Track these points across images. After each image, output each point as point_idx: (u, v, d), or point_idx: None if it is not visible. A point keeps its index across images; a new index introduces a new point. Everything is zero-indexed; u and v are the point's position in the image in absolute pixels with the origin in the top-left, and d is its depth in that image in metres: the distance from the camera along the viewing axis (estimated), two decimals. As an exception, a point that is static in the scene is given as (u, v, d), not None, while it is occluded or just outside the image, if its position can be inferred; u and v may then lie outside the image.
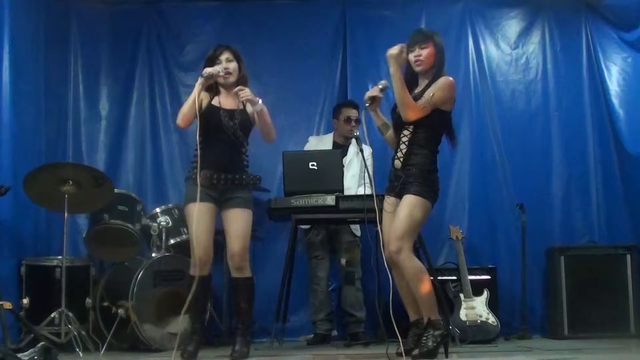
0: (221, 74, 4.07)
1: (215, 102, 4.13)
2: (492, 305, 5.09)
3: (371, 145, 4.56)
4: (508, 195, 5.74)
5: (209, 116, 4.05)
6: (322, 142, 5.41)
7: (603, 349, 4.57)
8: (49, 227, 5.16)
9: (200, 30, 5.93)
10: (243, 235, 4.05)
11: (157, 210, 5.06)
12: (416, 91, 3.97)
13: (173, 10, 5.98)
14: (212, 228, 4.06)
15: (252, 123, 4.19)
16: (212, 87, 4.15)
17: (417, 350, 3.77)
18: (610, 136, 5.83)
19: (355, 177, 5.24)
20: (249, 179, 4.14)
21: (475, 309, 5.00)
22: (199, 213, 3.92)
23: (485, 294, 5.10)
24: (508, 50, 6.00)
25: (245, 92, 4.04)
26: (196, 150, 3.97)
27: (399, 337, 3.75)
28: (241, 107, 4.17)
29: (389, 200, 3.97)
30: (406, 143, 3.91)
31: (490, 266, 5.36)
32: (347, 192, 5.02)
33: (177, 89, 5.86)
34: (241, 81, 4.16)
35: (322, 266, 5.27)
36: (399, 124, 3.98)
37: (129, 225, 4.90)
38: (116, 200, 4.83)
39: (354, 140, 5.15)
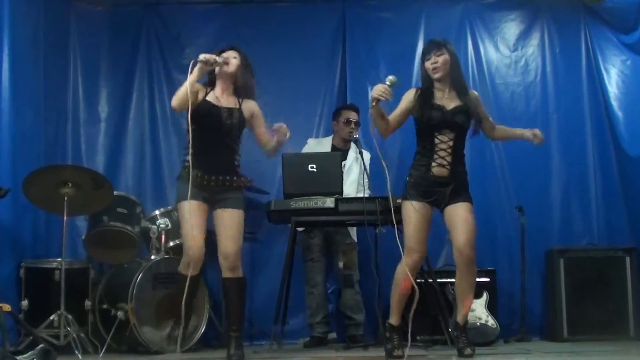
0: (219, 60, 3.98)
1: (210, 97, 4.06)
2: (491, 307, 5.09)
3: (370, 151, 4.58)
4: (507, 197, 5.75)
5: (202, 112, 3.95)
6: (320, 145, 5.41)
7: (602, 351, 4.56)
8: (48, 229, 5.16)
9: (200, 32, 5.93)
10: (236, 235, 4.01)
11: (157, 212, 5.05)
12: (449, 106, 4.03)
13: (172, 12, 5.99)
14: (204, 226, 4.01)
15: (245, 125, 4.14)
16: (209, 82, 4.10)
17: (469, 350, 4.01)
18: (610, 138, 5.83)
19: (354, 184, 5.25)
20: (240, 182, 4.10)
21: (475, 311, 5.00)
22: (191, 211, 3.89)
23: (485, 296, 5.10)
24: (507, 53, 6.01)
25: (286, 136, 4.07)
26: (187, 148, 3.93)
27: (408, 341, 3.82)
28: (238, 105, 4.11)
29: (420, 205, 3.99)
30: (448, 150, 4.00)
31: (489, 268, 5.35)
32: (346, 196, 5.02)
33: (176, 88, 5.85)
34: (242, 86, 4.11)
35: (318, 269, 5.27)
36: (436, 127, 4.01)
37: (128, 228, 4.90)
38: (115, 202, 4.83)
39: (353, 145, 5.17)
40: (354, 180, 5.26)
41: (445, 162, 3.99)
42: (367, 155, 5.24)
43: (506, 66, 5.99)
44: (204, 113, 3.96)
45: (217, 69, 4.05)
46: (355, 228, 5.25)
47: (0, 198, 4.30)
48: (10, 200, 4.47)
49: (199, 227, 3.96)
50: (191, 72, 3.88)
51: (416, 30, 5.94)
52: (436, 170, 4.00)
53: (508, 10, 6.05)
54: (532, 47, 6.01)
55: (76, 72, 5.84)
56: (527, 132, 4.31)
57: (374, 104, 3.91)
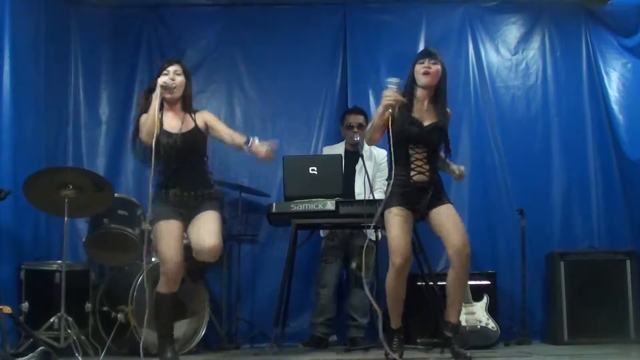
0: (172, 86, 3.97)
1: (167, 125, 4.01)
2: (491, 310, 5.08)
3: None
4: (508, 200, 5.74)
5: (165, 143, 3.95)
6: (334, 152, 5.40)
7: (603, 354, 4.56)
8: (49, 231, 5.15)
9: (201, 35, 5.94)
10: (216, 231, 3.93)
11: (157, 214, 5.04)
12: (425, 122, 4.03)
13: (174, 15, 5.99)
14: (181, 246, 3.94)
15: (200, 140, 4.06)
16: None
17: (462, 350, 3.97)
18: (610, 142, 5.83)
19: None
20: (216, 194, 4.11)
21: (475, 314, 5.00)
22: (166, 231, 3.90)
23: (485, 299, 5.09)
24: (508, 56, 6.01)
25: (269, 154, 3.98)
26: (158, 172, 3.97)
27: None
28: (189, 122, 4.05)
29: (401, 210, 3.97)
30: (424, 160, 4.01)
31: (490, 271, 5.35)
32: (358, 198, 5.03)
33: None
34: (186, 99, 4.08)
35: (329, 270, 5.26)
36: (410, 141, 4.01)
37: (129, 230, 4.90)
38: (116, 204, 4.83)
39: (363, 147, 5.18)
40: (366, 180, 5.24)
41: (423, 170, 4.01)
42: (382, 152, 5.25)
43: (507, 69, 5.99)
44: (163, 144, 3.94)
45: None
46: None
47: (1, 200, 4.30)
48: (11, 202, 4.47)
49: (175, 245, 3.89)
50: (159, 96, 3.89)
51: (417, 34, 5.94)
52: (416, 177, 4.00)
53: (509, 13, 6.06)
54: (533, 50, 6.01)
55: (77, 74, 5.84)
56: (454, 170, 4.24)
57: (389, 111, 3.91)
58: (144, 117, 3.95)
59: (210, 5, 6.01)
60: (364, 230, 5.02)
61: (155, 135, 3.85)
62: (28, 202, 4.50)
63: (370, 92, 5.90)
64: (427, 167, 4.00)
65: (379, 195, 4.93)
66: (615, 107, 5.80)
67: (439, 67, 4.02)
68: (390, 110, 3.92)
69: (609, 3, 5.75)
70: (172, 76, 4.00)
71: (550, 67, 5.97)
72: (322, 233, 5.31)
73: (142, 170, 5.78)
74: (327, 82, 5.96)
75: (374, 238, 5.13)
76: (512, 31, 6.04)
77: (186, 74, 4.09)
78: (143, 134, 3.94)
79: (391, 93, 3.90)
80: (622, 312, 5.23)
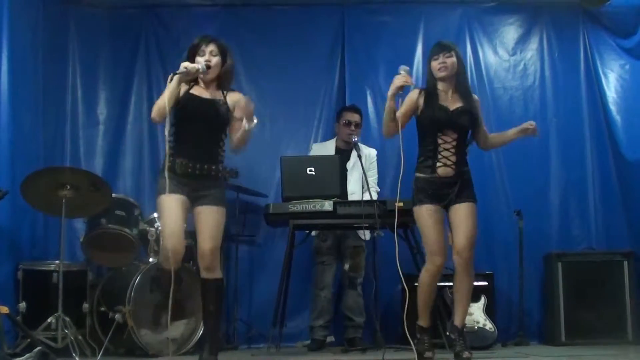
0: (200, 71, 3.84)
1: (194, 91, 3.91)
2: (489, 311, 5.09)
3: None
4: (505, 202, 5.75)
5: (186, 105, 3.84)
6: (324, 149, 5.40)
7: (600, 355, 4.57)
8: (47, 231, 5.15)
9: (200, 35, 5.91)
10: (215, 233, 3.83)
11: (155, 215, 5.02)
12: (452, 107, 4.07)
13: (172, 15, 5.99)
14: (183, 219, 3.84)
15: (223, 113, 3.91)
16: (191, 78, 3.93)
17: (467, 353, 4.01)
18: (608, 143, 5.84)
19: (359, 182, 5.24)
20: (225, 172, 3.91)
21: (473, 315, 5.00)
22: (170, 203, 3.77)
23: (483, 300, 5.10)
24: (506, 57, 6.02)
25: (250, 109, 3.81)
26: (170, 141, 3.83)
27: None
28: (222, 97, 3.94)
29: (433, 208, 4.01)
30: (452, 150, 4.02)
31: (487, 272, 5.34)
32: (351, 197, 5.06)
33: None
34: (225, 78, 3.97)
35: (328, 272, 5.26)
36: (440, 128, 4.04)
37: (127, 230, 4.90)
38: (114, 204, 4.83)
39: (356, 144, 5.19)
40: (358, 178, 5.23)
41: (449, 162, 4.02)
42: (373, 152, 5.25)
43: (505, 70, 6.00)
44: (186, 105, 3.85)
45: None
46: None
47: (-1, 200, 4.30)
48: (8, 202, 4.46)
49: (178, 219, 3.78)
50: (171, 81, 3.75)
51: (415, 34, 5.95)
52: (441, 170, 4.02)
53: (507, 14, 6.06)
54: (531, 51, 6.02)
55: (75, 75, 5.83)
56: (521, 130, 4.25)
57: (398, 92, 3.94)
58: (161, 98, 3.80)
59: (208, 5, 6.01)
60: (363, 231, 5.06)
61: (169, 106, 3.71)
62: (26, 202, 4.50)
63: (368, 92, 5.90)
64: (453, 158, 4.02)
65: (372, 194, 4.94)
66: (613, 108, 5.80)
67: (454, 59, 4.10)
68: (400, 92, 3.95)
69: (607, 4, 5.76)
70: (208, 57, 3.88)
71: (548, 68, 5.97)
72: (313, 232, 5.29)
73: (140, 170, 5.80)
74: (325, 82, 5.96)
75: (365, 238, 5.16)
76: (510, 32, 6.05)
77: (222, 52, 3.94)
78: (153, 112, 3.81)
79: (402, 75, 3.96)
80: (620, 313, 5.23)
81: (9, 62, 4.74)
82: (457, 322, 4.12)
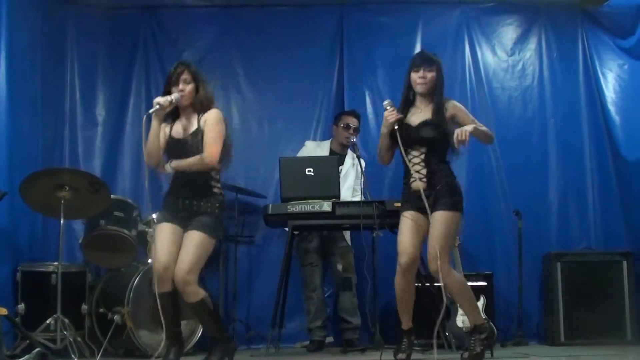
0: (174, 102, 3.88)
1: (174, 131, 3.98)
2: (488, 311, 5.08)
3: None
4: (505, 202, 5.75)
5: (169, 149, 3.95)
6: (319, 148, 5.41)
7: (599, 355, 4.57)
8: (45, 232, 5.16)
9: (198, 36, 5.93)
10: (187, 258, 3.77)
11: (153, 216, 5.02)
12: (415, 122, 4.05)
13: (171, 16, 5.99)
14: (175, 246, 3.85)
15: (197, 143, 3.91)
16: (171, 113, 3.97)
17: (467, 354, 4.00)
18: (607, 142, 5.84)
19: (350, 190, 5.26)
20: (213, 207, 3.90)
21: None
22: (161, 233, 3.89)
23: (482, 300, 5.09)
24: (505, 57, 6.02)
25: None
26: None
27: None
28: (197, 124, 3.94)
29: (411, 213, 4.01)
30: (422, 164, 4.00)
31: (486, 272, 5.35)
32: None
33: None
34: (203, 101, 3.97)
35: (317, 273, 5.26)
36: (405, 144, 4.01)
37: (125, 231, 4.90)
38: (112, 206, 4.82)
39: (350, 151, 5.19)
40: (350, 185, 5.26)
41: (421, 176, 4.00)
42: (363, 163, 5.25)
43: (503, 70, 6.00)
44: (168, 150, 3.96)
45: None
46: (348, 231, 5.25)
47: (-3, 201, 4.30)
48: (7, 203, 4.47)
49: (166, 247, 3.83)
50: (147, 123, 3.84)
51: (414, 35, 5.95)
52: (414, 185, 4.00)
53: (505, 14, 6.06)
54: (530, 51, 6.02)
55: (73, 76, 5.83)
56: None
57: (392, 128, 3.97)
58: (147, 143, 3.88)
59: (207, 6, 6.01)
60: (361, 232, 5.06)
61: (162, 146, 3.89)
62: (24, 204, 4.49)
63: (366, 93, 5.91)
64: (424, 172, 3.99)
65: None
66: (611, 108, 5.81)
67: (434, 73, 4.05)
68: (396, 127, 3.96)
69: (605, 4, 5.76)
70: (181, 86, 3.92)
71: (547, 68, 5.98)
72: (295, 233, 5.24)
73: (138, 171, 5.79)
74: (323, 83, 5.96)
75: (349, 241, 5.17)
76: (509, 32, 6.05)
77: (195, 78, 3.98)
78: (146, 159, 3.91)
79: (390, 113, 3.97)
80: (619, 313, 5.24)
81: (7, 63, 4.74)
82: (468, 323, 4.17)
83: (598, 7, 5.84)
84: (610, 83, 5.86)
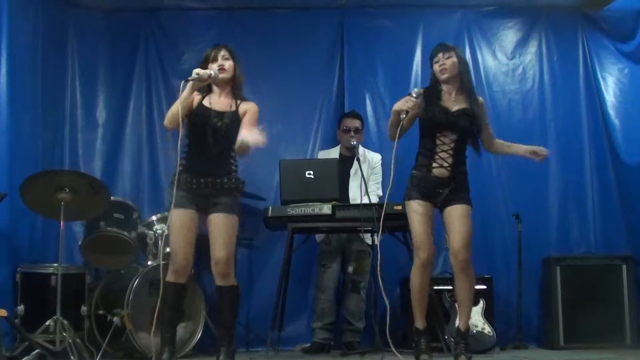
0: (213, 76, 3.89)
1: (206, 102, 3.98)
2: (487, 315, 5.08)
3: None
4: (504, 205, 5.75)
5: (197, 117, 3.91)
6: (329, 156, 5.39)
7: (599, 359, 4.56)
8: (45, 234, 5.15)
9: (199, 39, 5.92)
10: (227, 241, 3.86)
11: (153, 218, 5.05)
12: (453, 108, 4.07)
13: (171, 18, 5.99)
14: (191, 235, 3.90)
15: (237, 126, 3.95)
16: (205, 87, 4.01)
17: (464, 357, 4.02)
18: (607, 146, 5.85)
19: (360, 189, 5.24)
20: (232, 184, 3.94)
21: (471, 319, 4.96)
22: (178, 219, 3.85)
23: (481, 303, 5.09)
24: (505, 61, 6.02)
25: (254, 120, 3.94)
26: (181, 152, 3.89)
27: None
28: (233, 108, 3.99)
29: (423, 203, 4.02)
30: (449, 152, 4.03)
31: (486, 276, 5.34)
32: (352, 202, 5.02)
33: (175, 97, 5.82)
34: (236, 82, 4.03)
35: (329, 275, 5.25)
36: (438, 128, 4.04)
37: (125, 233, 4.89)
38: (112, 207, 4.82)
39: (360, 151, 5.19)
40: (359, 185, 5.22)
41: (446, 164, 4.02)
42: (377, 157, 5.26)
43: (504, 74, 6.00)
44: (195, 118, 3.92)
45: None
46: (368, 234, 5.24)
47: (-3, 203, 4.30)
48: (7, 205, 4.47)
49: (184, 236, 3.85)
50: (183, 89, 3.81)
51: (414, 38, 5.95)
52: (436, 171, 4.03)
53: (506, 18, 6.06)
54: (530, 55, 6.02)
55: (74, 78, 5.83)
56: (532, 151, 4.29)
57: (403, 115, 3.94)
58: (174, 105, 3.85)
59: (207, 9, 6.01)
60: (361, 235, 5.05)
61: (183, 118, 3.79)
62: (24, 205, 4.49)
63: (367, 96, 5.90)
64: (450, 160, 4.02)
65: (373, 198, 4.95)
66: (611, 112, 5.81)
67: (453, 59, 4.10)
68: (402, 116, 3.93)
69: (605, 8, 5.77)
70: (220, 62, 3.97)
71: (547, 72, 5.98)
72: (317, 238, 5.29)
73: (138, 173, 5.80)
74: (324, 86, 5.96)
75: (370, 242, 5.15)
76: (509, 36, 6.06)
77: (234, 58, 4.05)
78: (166, 119, 3.86)
79: (407, 101, 3.95)
80: (618, 317, 5.24)
81: (8, 65, 4.73)
82: (460, 325, 4.14)
83: (598, 11, 5.85)
84: (610, 87, 5.87)
